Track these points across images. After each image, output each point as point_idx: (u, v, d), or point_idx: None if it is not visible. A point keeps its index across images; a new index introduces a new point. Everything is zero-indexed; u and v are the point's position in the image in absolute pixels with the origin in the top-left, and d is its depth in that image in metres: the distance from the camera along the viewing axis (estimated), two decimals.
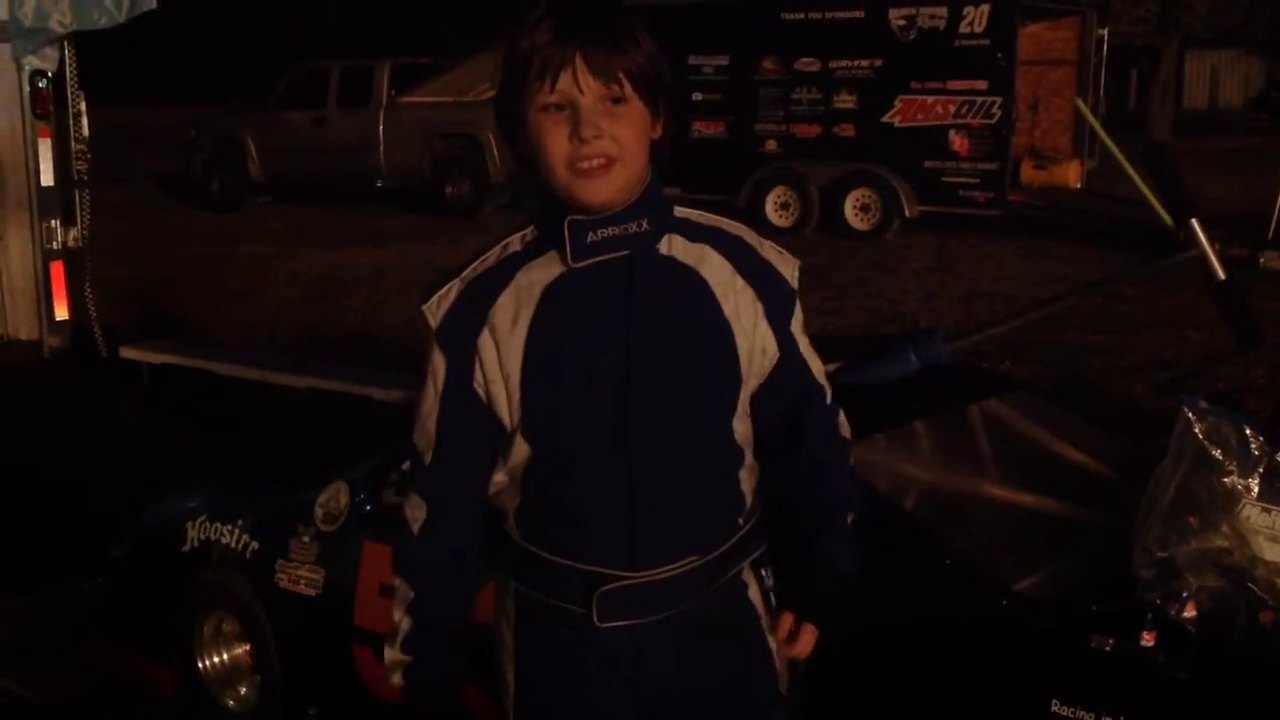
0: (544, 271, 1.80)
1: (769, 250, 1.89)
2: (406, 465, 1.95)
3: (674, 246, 1.82)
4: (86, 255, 7.74)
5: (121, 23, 7.24)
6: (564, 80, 1.70)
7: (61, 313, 7.90)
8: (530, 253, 1.82)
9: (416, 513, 1.91)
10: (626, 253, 1.78)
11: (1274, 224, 11.56)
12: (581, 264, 1.78)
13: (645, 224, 1.78)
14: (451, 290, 1.83)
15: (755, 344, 1.84)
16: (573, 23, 1.72)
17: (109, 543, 4.01)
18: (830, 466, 1.90)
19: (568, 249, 1.77)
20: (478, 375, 1.82)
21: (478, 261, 1.85)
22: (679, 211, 1.85)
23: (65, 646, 4.19)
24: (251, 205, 16.80)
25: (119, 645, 3.98)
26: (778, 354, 1.86)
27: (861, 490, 1.97)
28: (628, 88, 1.72)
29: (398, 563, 1.96)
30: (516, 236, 1.85)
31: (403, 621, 1.92)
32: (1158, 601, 2.45)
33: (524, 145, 1.77)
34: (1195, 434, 2.51)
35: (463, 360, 1.82)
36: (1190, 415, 2.52)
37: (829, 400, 1.93)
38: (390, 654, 1.94)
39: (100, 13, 7.20)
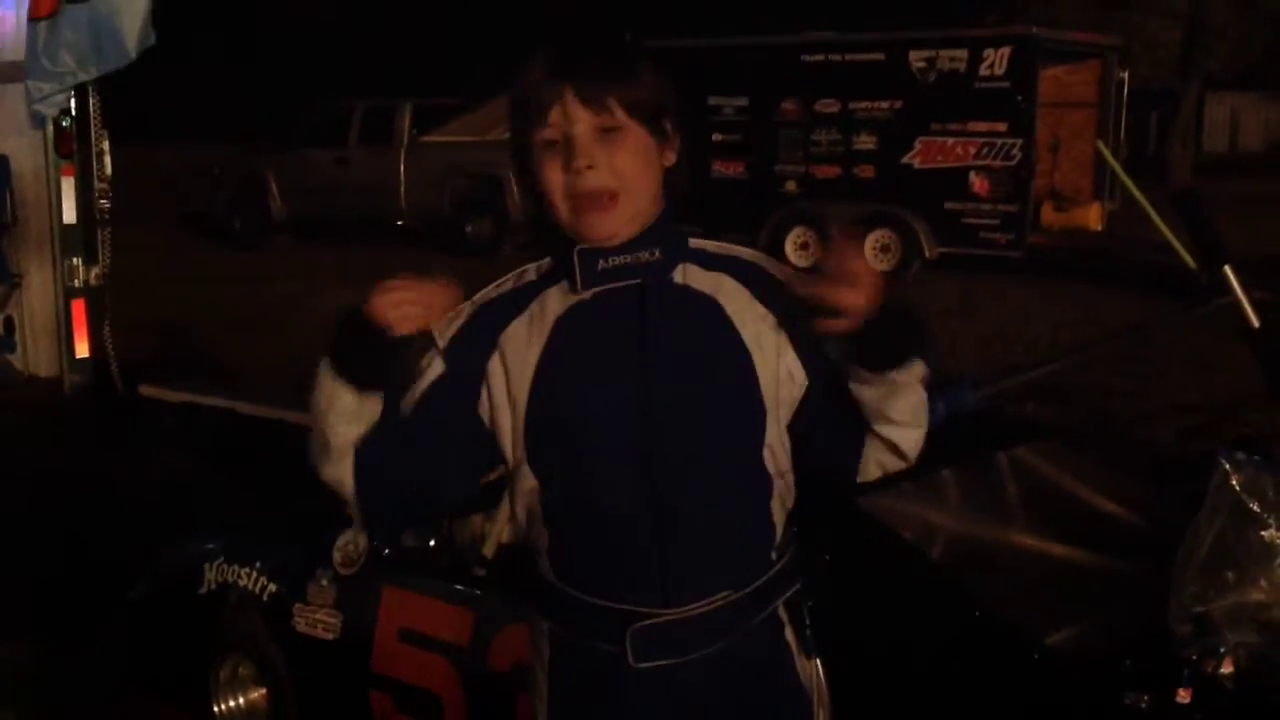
0: (558, 302, 1.80)
1: (788, 274, 1.86)
2: None
3: (689, 275, 1.81)
4: (106, 293, 7.76)
5: (133, 59, 7.31)
6: (554, 114, 1.72)
7: (82, 350, 7.92)
8: (546, 282, 1.82)
9: None
10: (638, 281, 1.77)
11: None
12: (590, 292, 1.77)
13: (657, 253, 1.78)
14: (462, 311, 1.83)
15: (780, 371, 1.80)
16: (565, 57, 1.74)
17: (127, 584, 3.98)
18: None
19: (578, 277, 1.76)
20: (484, 401, 1.81)
21: (490, 287, 1.85)
22: (694, 242, 1.84)
23: (83, 688, 4.16)
24: (273, 243, 16.86)
25: (136, 688, 3.95)
26: (807, 380, 1.82)
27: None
28: (620, 114, 1.72)
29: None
30: (533, 266, 1.86)
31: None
32: (1194, 657, 2.40)
33: (533, 182, 1.78)
34: (1232, 486, 2.46)
35: (464, 377, 1.80)
36: (1227, 466, 2.47)
37: None
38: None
39: (118, 56, 7.27)
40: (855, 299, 1.66)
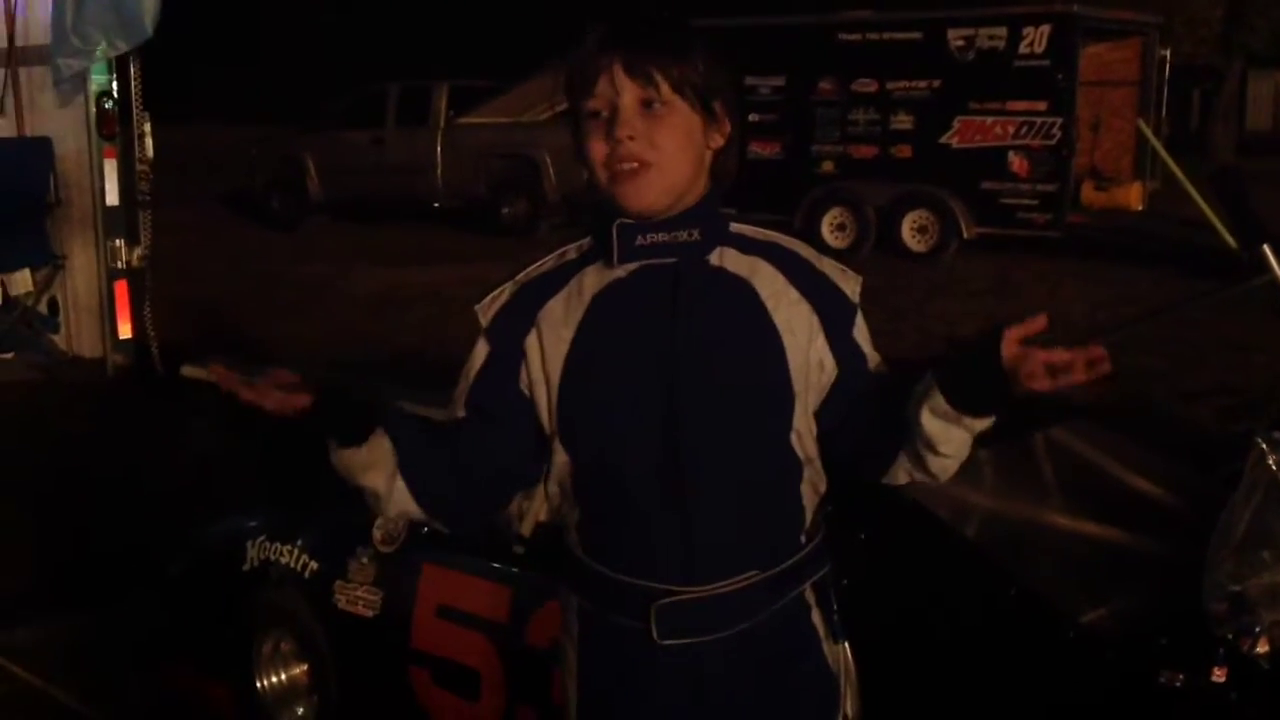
0: (596, 279, 1.82)
1: (828, 265, 1.87)
2: None
3: (725, 258, 1.82)
4: (147, 274, 7.84)
5: (150, 36, 7.38)
6: (602, 83, 1.74)
7: (125, 331, 8.02)
8: (585, 261, 1.85)
9: None
10: (674, 260, 1.78)
11: None
12: (626, 269, 1.79)
13: (696, 234, 1.79)
14: (504, 292, 1.87)
15: (811, 359, 1.81)
16: (618, 30, 1.76)
17: (168, 560, 4.04)
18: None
19: (614, 251, 1.78)
20: (524, 376, 1.84)
21: (532, 267, 1.88)
22: (734, 227, 1.85)
23: (125, 663, 4.22)
24: (310, 224, 16.96)
25: (178, 663, 4.01)
26: (836, 370, 1.83)
27: None
28: (665, 89, 1.74)
29: None
30: (573, 245, 1.88)
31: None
32: (1229, 636, 2.40)
33: (579, 152, 1.80)
34: (1269, 465, 2.45)
35: (506, 356, 1.84)
36: (1264, 446, 2.46)
37: None
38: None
39: (139, 32, 7.34)
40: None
